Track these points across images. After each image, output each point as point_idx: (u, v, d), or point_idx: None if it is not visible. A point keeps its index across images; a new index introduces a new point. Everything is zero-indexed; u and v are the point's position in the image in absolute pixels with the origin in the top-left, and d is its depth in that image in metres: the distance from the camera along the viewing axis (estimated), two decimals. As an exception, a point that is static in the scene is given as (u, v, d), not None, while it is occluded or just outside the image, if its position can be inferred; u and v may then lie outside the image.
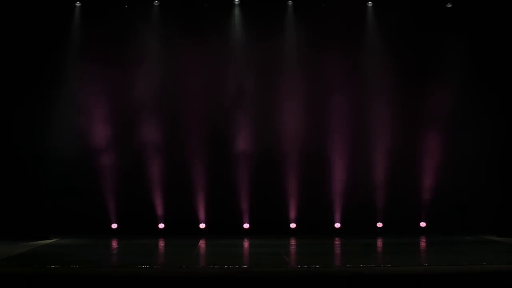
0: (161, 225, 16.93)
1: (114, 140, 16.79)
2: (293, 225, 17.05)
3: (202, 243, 15.83)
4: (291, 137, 16.93)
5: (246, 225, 16.98)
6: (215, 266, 12.23)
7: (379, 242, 16.14)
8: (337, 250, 15.27)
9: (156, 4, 16.90)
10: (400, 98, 16.94)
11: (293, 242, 16.13)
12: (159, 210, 16.89)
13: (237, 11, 16.96)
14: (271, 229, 16.80)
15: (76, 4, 16.71)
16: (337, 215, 17.04)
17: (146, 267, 12.17)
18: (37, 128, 16.13)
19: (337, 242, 16.11)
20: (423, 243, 16.01)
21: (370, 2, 17.07)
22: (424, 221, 17.13)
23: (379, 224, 17.14)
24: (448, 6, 16.99)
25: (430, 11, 16.94)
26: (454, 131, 17.01)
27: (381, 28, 17.09)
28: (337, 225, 17.07)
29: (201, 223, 16.98)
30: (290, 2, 16.99)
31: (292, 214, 17.03)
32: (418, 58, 16.94)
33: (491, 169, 16.81)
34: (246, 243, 15.81)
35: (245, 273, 11.76)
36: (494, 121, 16.78)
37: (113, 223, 16.86)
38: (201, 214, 16.96)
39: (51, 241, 15.93)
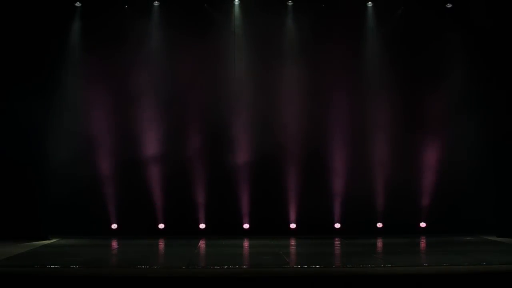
0: (161, 225, 16.94)
1: (115, 140, 16.79)
2: (293, 225, 17.06)
3: (202, 243, 15.84)
4: (291, 137, 16.94)
5: (246, 225, 16.99)
6: (215, 267, 12.22)
7: (379, 242, 16.14)
8: (337, 250, 15.28)
9: (156, 4, 16.91)
10: (400, 98, 16.96)
11: (293, 242, 16.14)
12: (159, 210, 16.89)
13: (237, 11, 16.96)
14: (271, 229, 16.81)
15: (76, 5, 16.71)
16: (337, 215, 17.05)
17: (146, 267, 12.17)
18: (38, 128, 16.12)
19: (337, 242, 16.12)
20: (423, 243, 16.02)
21: (370, 3, 17.09)
22: (424, 221, 17.14)
23: (379, 224, 17.15)
24: (448, 6, 17.01)
25: (430, 11, 16.95)
26: (454, 131, 17.02)
27: (380, 28, 17.11)
28: (337, 225, 17.08)
29: (201, 223, 16.99)
30: (290, 2, 17.00)
31: (292, 214, 17.04)
32: (417, 58, 16.95)
33: (491, 169, 16.82)
34: (246, 243, 15.82)
35: (245, 273, 11.76)
36: (494, 121, 16.78)
37: (113, 224, 16.87)
38: (201, 214, 16.96)
39: (51, 241, 15.94)
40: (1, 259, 13.11)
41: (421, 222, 17.14)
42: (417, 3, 16.92)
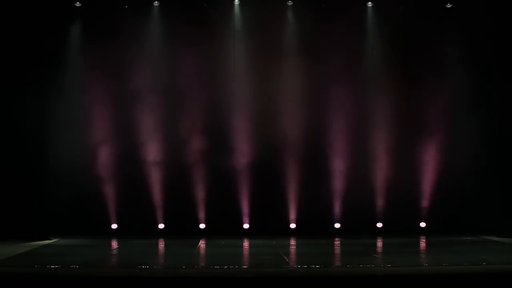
0: (161, 225, 16.94)
1: (115, 140, 16.80)
2: (293, 225, 17.06)
3: (202, 243, 15.84)
4: (291, 137, 16.93)
5: (246, 225, 16.98)
6: (215, 267, 12.22)
7: (379, 242, 16.14)
8: (337, 250, 15.27)
9: (156, 4, 16.91)
10: (400, 97, 16.96)
11: (293, 242, 16.14)
12: (159, 210, 16.89)
13: (237, 10, 16.96)
14: (271, 229, 16.80)
15: (76, 5, 16.70)
16: (337, 215, 17.05)
17: (146, 267, 12.17)
18: (38, 128, 16.12)
19: (337, 242, 16.12)
20: (423, 243, 16.02)
21: (370, 2, 17.09)
22: (424, 221, 17.14)
23: (379, 224, 17.15)
24: (448, 6, 17.01)
25: (429, 11, 16.95)
26: (454, 131, 17.02)
27: (380, 28, 17.11)
28: (337, 225, 17.08)
29: (201, 223, 16.99)
30: (290, 2, 17.00)
31: (292, 214, 17.04)
32: (417, 58, 16.95)
33: (491, 169, 16.82)
34: (246, 243, 15.82)
35: (245, 273, 11.76)
36: (494, 121, 16.79)
37: (113, 224, 16.86)
38: (201, 214, 16.95)
39: (51, 241, 15.94)
40: (1, 259, 13.11)
41: (421, 222, 17.14)
42: (416, 3, 16.91)
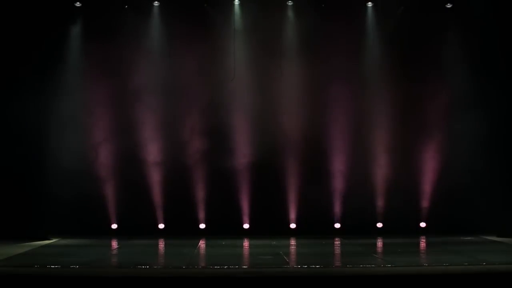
0: (161, 225, 16.94)
1: (115, 140, 16.80)
2: (293, 225, 17.06)
3: (202, 243, 15.84)
4: (291, 137, 16.94)
5: (246, 225, 16.98)
6: (215, 267, 12.22)
7: (379, 242, 16.14)
8: (337, 250, 15.28)
9: (156, 4, 16.91)
10: (400, 97, 16.97)
11: (293, 242, 16.14)
12: (159, 210, 16.89)
13: (237, 11, 16.96)
14: (271, 229, 16.80)
15: (76, 5, 16.70)
16: (337, 215, 17.05)
17: (146, 267, 12.17)
18: (38, 128, 16.12)
19: (337, 242, 16.12)
20: (423, 243, 16.02)
21: (370, 3, 17.09)
22: (424, 221, 17.14)
23: (379, 224, 17.15)
24: (448, 6, 17.02)
25: (429, 11, 16.96)
26: (454, 131, 17.03)
27: (380, 28, 17.12)
28: (337, 225, 17.08)
29: (201, 223, 16.99)
30: (290, 2, 17.00)
31: (292, 214, 17.04)
32: (417, 58, 16.95)
33: (491, 169, 16.81)
34: (246, 243, 15.82)
35: (245, 273, 11.76)
36: (494, 121, 16.78)
37: (113, 224, 16.86)
38: (201, 214, 16.96)
39: (51, 241, 15.94)
40: (1, 259, 13.10)
41: (421, 222, 17.14)
42: (417, 3, 16.92)
